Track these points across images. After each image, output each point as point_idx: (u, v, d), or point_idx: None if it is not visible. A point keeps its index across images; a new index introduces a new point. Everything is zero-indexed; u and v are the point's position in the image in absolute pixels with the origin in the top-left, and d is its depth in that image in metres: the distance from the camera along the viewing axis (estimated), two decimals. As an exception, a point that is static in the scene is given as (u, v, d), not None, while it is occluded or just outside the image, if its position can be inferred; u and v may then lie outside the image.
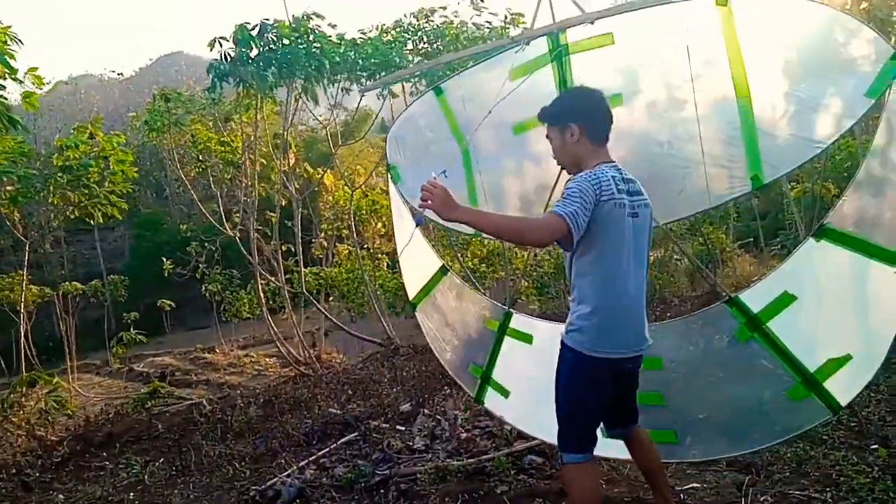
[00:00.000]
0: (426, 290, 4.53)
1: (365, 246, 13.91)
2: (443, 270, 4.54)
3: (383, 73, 9.03)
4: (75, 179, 8.11)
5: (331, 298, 14.41)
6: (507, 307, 4.39)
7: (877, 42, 2.97)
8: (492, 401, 4.47)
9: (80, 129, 8.33)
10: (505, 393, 4.34)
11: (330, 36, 9.16)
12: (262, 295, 11.86)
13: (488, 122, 3.62)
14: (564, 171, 3.18)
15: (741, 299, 3.36)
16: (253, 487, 4.81)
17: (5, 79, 6.30)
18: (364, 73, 9.33)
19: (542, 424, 3.86)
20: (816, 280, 3.30)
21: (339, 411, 6.56)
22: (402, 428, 5.81)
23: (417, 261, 4.71)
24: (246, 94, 9.24)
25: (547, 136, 3.03)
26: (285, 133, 11.41)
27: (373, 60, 9.23)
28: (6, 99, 6.51)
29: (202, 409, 7.11)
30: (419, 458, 5.14)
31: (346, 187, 13.70)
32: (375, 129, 17.88)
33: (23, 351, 10.54)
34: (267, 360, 14.27)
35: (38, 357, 14.14)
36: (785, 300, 3.22)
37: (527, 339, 4.21)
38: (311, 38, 8.75)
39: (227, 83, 8.72)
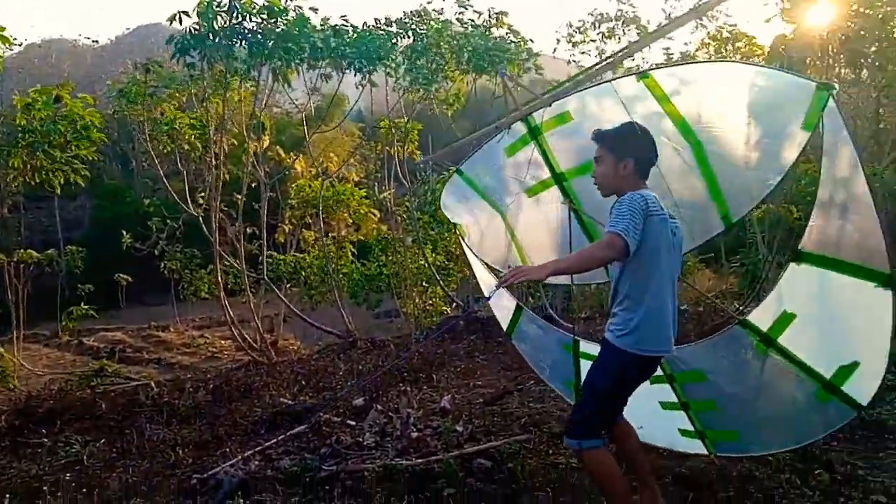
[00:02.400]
0: (513, 323, 5.06)
1: (331, 234, 13.73)
2: (518, 308, 5.08)
3: (364, 62, 8.89)
4: (39, 142, 7.79)
5: (289, 285, 14.16)
6: (573, 335, 4.80)
7: (800, 82, 3.39)
8: None
9: (43, 90, 7.99)
10: None
11: (309, 19, 8.97)
12: (220, 276, 11.61)
13: (511, 189, 4.77)
14: (599, 193, 3.46)
15: (750, 321, 3.74)
16: (195, 475, 4.68)
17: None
18: (345, 61, 9.16)
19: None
20: (806, 298, 3.59)
21: (290, 401, 6.45)
22: (353, 423, 5.72)
23: (499, 301, 5.19)
24: (218, 71, 9.01)
25: (596, 157, 3.36)
26: (259, 114, 11.19)
27: (355, 48, 9.08)
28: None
29: (149, 391, 6.92)
30: (368, 455, 5.08)
31: (314, 175, 13.51)
32: (351, 116, 17.71)
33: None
34: (222, 342, 14.03)
35: (-15, 324, 13.66)
36: (786, 318, 3.57)
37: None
38: (281, 17, 8.52)
39: (191, 57, 8.50)
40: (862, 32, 8.30)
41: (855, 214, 3.22)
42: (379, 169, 13.60)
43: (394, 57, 9.56)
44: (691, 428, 4.31)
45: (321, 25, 9.25)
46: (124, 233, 14.88)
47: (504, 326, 5.09)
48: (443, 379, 7.18)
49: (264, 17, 8.48)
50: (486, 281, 5.07)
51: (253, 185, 12.05)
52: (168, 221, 14.06)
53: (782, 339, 3.59)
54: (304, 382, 7.22)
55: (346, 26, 9.36)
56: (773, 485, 3.88)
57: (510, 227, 4.89)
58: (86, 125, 8.07)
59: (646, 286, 3.14)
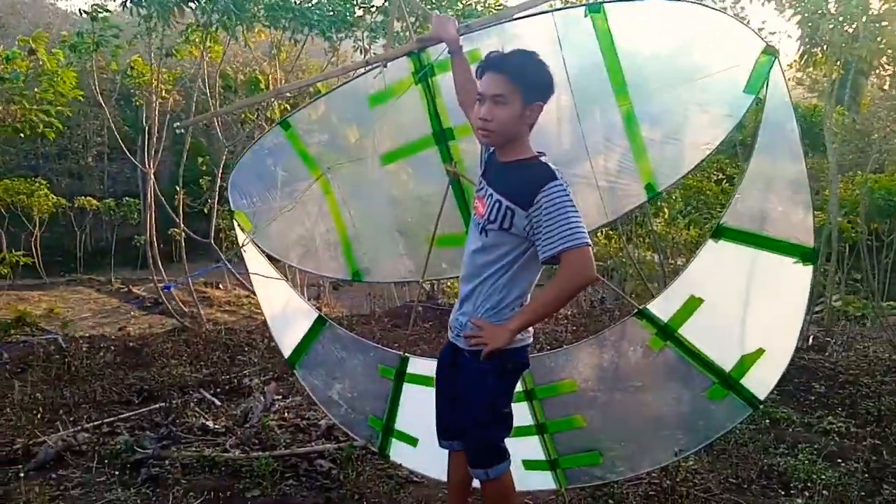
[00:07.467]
0: (304, 345, 4.02)
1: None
2: (320, 321, 4.01)
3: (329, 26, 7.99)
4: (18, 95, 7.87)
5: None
6: (402, 352, 3.90)
7: (750, 37, 2.89)
8: (398, 452, 3.97)
9: (22, 41, 8.03)
10: (413, 441, 3.88)
11: None
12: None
13: (353, 154, 3.70)
14: (482, 142, 2.75)
15: (650, 310, 3.24)
16: (32, 442, 4.46)
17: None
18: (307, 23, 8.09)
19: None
20: (720, 280, 3.24)
21: (189, 373, 6.14)
22: (219, 403, 5.33)
23: (286, 315, 4.24)
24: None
25: (497, 94, 2.48)
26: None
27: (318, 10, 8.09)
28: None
29: (50, 348, 6.79)
30: (211, 442, 4.70)
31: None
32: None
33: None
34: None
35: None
36: (692, 304, 3.16)
37: (429, 382, 3.74)
38: None
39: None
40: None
41: (785, 189, 3.02)
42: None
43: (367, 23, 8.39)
44: (541, 457, 3.56)
45: None
46: (178, 189, 15.25)
47: (286, 352, 4.05)
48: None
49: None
50: (276, 296, 4.14)
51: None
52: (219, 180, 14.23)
53: (683, 330, 3.16)
54: (220, 354, 6.79)
55: None
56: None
57: (335, 205, 3.81)
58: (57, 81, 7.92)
59: (527, 284, 2.67)
